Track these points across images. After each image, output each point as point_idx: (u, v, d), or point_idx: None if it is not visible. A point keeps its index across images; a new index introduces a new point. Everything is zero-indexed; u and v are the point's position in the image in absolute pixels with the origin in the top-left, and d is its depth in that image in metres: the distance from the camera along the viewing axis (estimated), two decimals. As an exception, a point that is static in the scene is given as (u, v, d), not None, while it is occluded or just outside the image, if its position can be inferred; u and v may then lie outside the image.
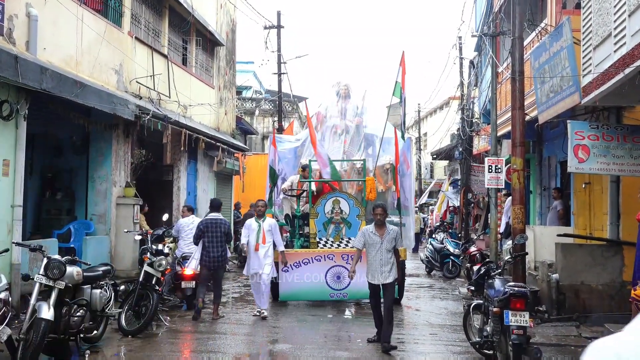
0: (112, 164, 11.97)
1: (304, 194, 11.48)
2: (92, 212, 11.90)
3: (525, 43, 10.50)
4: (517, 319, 5.92)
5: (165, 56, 14.20)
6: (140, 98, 12.70)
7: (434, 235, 19.12)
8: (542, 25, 11.58)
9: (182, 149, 14.36)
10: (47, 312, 5.99)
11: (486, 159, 13.95)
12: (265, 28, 22.24)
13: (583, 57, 7.94)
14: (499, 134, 14.57)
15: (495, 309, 6.17)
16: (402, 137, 10.63)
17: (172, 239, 10.99)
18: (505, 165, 13.34)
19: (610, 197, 9.34)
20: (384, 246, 7.57)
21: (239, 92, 26.65)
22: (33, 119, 9.12)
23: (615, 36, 6.68)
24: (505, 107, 14.41)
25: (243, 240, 9.71)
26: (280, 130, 20.89)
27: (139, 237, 10.16)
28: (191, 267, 9.77)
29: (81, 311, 6.81)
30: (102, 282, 7.41)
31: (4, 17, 8.27)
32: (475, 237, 16.81)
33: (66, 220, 11.65)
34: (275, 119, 26.01)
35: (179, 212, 14.15)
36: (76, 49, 10.52)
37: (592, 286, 9.00)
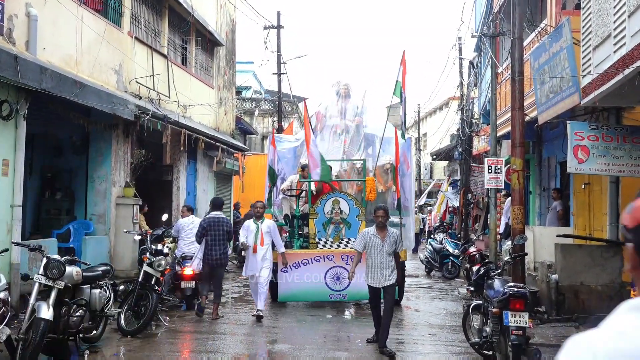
0: (111, 164, 11.97)
1: (303, 194, 11.45)
2: (92, 212, 11.90)
3: (525, 43, 10.50)
4: (516, 320, 5.91)
5: (165, 56, 14.20)
6: (140, 98, 12.70)
7: (433, 236, 19.12)
8: (542, 25, 11.59)
9: (181, 149, 14.36)
10: (46, 312, 5.98)
11: (486, 159, 13.95)
12: (265, 28, 22.23)
13: (583, 58, 7.94)
14: (498, 134, 14.57)
15: (494, 310, 6.17)
16: (403, 136, 10.58)
17: (171, 239, 10.99)
18: (505, 166, 13.34)
19: (610, 197, 9.34)
20: (385, 249, 7.47)
21: (238, 92, 26.65)
22: (33, 119, 9.12)
23: (615, 37, 6.69)
24: (504, 107, 14.42)
25: (242, 239, 9.59)
26: (280, 130, 20.88)
27: (138, 237, 10.16)
28: (195, 266, 9.78)
29: (80, 311, 6.81)
30: (102, 282, 7.41)
31: (4, 17, 8.27)
32: (475, 238, 16.81)
33: (66, 220, 11.64)
34: (275, 119, 26.01)
35: (178, 212, 14.15)
36: (76, 49, 10.52)
37: (591, 287, 8.99)
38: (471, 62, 20.56)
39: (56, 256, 6.72)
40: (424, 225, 27.57)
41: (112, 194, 11.93)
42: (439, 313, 10.49)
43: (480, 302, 7.00)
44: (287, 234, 11.49)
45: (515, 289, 6.09)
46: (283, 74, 23.04)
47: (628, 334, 1.16)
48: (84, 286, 7.01)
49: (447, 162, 33.75)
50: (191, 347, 8.02)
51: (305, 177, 11.43)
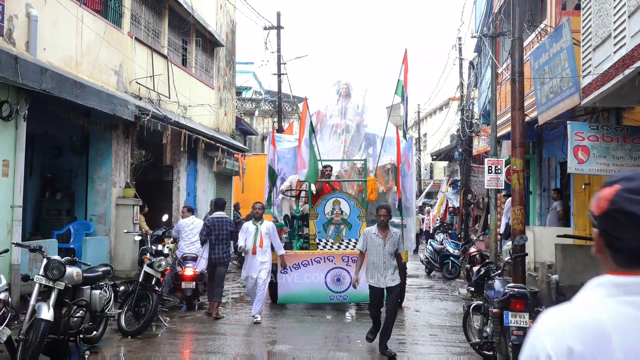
0: (111, 164, 11.97)
1: (303, 194, 11.39)
2: (92, 213, 11.90)
3: (525, 44, 10.49)
4: (516, 320, 5.91)
5: (165, 57, 14.20)
6: (140, 99, 12.70)
7: (431, 237, 19.12)
8: (542, 26, 11.59)
9: (181, 149, 14.37)
10: (46, 313, 5.98)
11: (486, 159, 13.95)
12: (265, 29, 22.25)
13: (583, 58, 7.94)
14: (498, 134, 14.58)
15: (495, 310, 6.16)
16: (404, 136, 10.53)
17: (171, 239, 10.99)
18: (505, 166, 13.34)
19: (610, 198, 9.32)
20: (387, 249, 7.36)
21: (238, 93, 26.66)
22: (33, 120, 9.12)
23: (615, 37, 6.69)
24: (505, 108, 14.42)
25: (241, 242, 9.48)
26: (280, 130, 20.89)
27: (138, 238, 10.16)
28: (201, 266, 9.80)
29: (81, 312, 6.82)
30: (102, 283, 7.41)
31: (4, 18, 8.27)
32: (475, 238, 16.80)
33: (66, 221, 11.65)
34: (275, 119, 26.02)
35: (178, 213, 14.15)
36: (76, 50, 10.52)
37: (591, 287, 8.97)
38: (471, 63, 20.57)
39: (56, 257, 6.72)
40: (423, 226, 27.56)
41: (112, 194, 11.93)
42: (440, 313, 10.49)
43: (481, 302, 6.99)
44: (287, 234, 11.41)
45: (516, 290, 6.09)
46: (283, 74, 23.06)
47: (591, 309, 1.30)
48: (85, 287, 7.02)
49: (447, 162, 33.74)
50: (192, 347, 8.01)
51: None
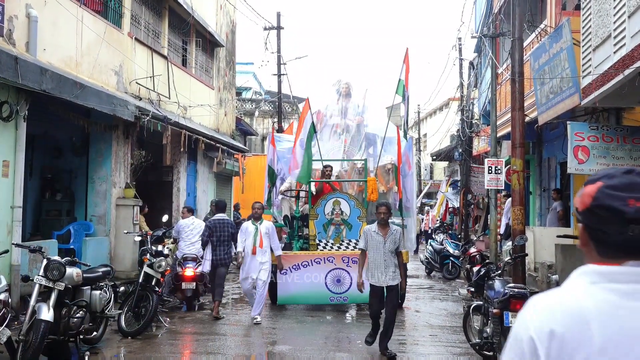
0: (111, 165, 11.96)
1: (303, 194, 11.36)
2: (92, 213, 11.90)
3: (525, 44, 10.50)
4: (517, 321, 5.90)
5: (165, 57, 14.20)
6: (140, 99, 12.70)
7: (434, 236, 19.12)
8: (542, 26, 11.59)
9: (181, 150, 14.36)
10: (46, 314, 5.98)
11: (486, 160, 13.96)
12: (265, 29, 22.26)
13: (583, 59, 7.94)
14: (498, 135, 14.58)
15: (495, 310, 6.16)
16: (405, 136, 10.51)
17: (172, 240, 10.99)
18: (505, 167, 13.35)
19: (610, 198, 9.32)
20: (387, 247, 7.31)
21: (238, 93, 26.66)
22: (33, 120, 9.12)
23: (615, 37, 6.69)
24: (505, 108, 14.42)
25: (240, 247, 9.39)
26: (280, 131, 20.88)
27: (138, 238, 10.16)
28: (205, 268, 9.81)
29: (81, 312, 6.81)
30: (102, 284, 7.40)
31: (4, 18, 8.27)
32: (475, 238, 16.80)
33: (66, 221, 11.64)
34: (275, 120, 26.02)
35: (178, 213, 14.15)
36: (76, 50, 10.52)
37: (592, 287, 8.97)
38: (471, 63, 20.58)
39: (56, 257, 6.72)
40: (422, 226, 27.56)
41: (113, 195, 11.93)
42: (440, 314, 10.48)
43: (481, 302, 6.99)
44: (287, 235, 11.36)
45: (516, 290, 6.09)
46: (283, 74, 23.06)
47: (575, 294, 1.37)
48: (85, 287, 7.01)
49: (447, 162, 33.75)
50: (192, 348, 8.02)
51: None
